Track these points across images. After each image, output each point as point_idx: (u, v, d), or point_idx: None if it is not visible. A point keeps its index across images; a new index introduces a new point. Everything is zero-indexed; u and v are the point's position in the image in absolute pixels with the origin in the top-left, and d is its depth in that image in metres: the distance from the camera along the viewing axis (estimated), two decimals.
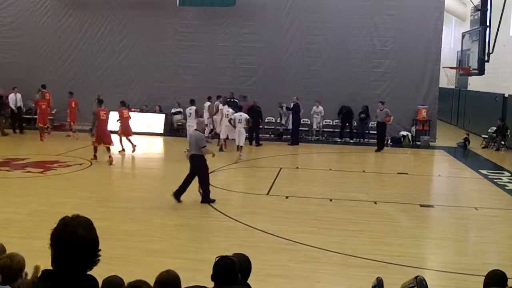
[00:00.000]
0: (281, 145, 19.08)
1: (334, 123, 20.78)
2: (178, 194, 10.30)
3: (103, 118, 14.66)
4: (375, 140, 18.94)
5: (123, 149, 16.53)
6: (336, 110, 20.53)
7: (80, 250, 2.25)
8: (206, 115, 18.21)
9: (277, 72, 20.94)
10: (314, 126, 20.43)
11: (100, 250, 2.35)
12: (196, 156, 10.31)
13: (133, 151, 16.39)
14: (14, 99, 19.91)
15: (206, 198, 10.39)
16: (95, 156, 14.84)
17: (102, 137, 14.67)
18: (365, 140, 20.36)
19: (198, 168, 10.32)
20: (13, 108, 19.88)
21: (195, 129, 10.83)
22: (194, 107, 17.25)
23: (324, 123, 20.93)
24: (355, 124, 20.53)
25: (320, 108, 20.00)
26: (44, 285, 2.26)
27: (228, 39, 21.27)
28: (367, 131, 20.42)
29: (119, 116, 16.41)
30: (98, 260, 2.33)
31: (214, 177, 13.06)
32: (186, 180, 10.36)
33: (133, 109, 21.28)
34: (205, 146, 10.39)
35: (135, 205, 10.12)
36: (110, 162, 14.43)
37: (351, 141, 20.31)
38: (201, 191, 10.42)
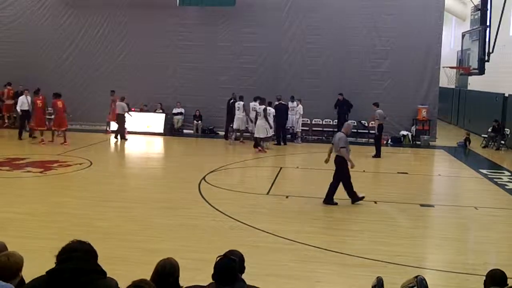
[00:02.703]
0: (280, 145, 19.06)
1: (333, 123, 20.73)
2: (354, 199, 10.53)
3: (40, 106, 17.77)
4: (354, 139, 19.31)
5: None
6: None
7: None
8: (241, 113, 18.81)
9: (277, 72, 20.95)
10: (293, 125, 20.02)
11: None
12: (339, 157, 10.47)
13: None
14: (26, 102, 18.57)
15: (329, 198, 10.51)
16: (33, 137, 18.10)
17: (39, 122, 17.64)
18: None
19: (339, 169, 10.46)
20: (18, 110, 18.70)
21: (341, 131, 10.98)
22: (242, 102, 18.67)
23: (324, 123, 20.93)
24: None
25: (299, 106, 19.58)
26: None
27: (228, 39, 21.27)
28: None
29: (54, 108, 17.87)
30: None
31: (214, 176, 13.10)
32: (345, 184, 10.53)
33: (133, 109, 21.34)
34: (344, 147, 10.40)
35: (135, 205, 10.12)
36: (41, 142, 17.33)
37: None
38: None
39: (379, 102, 17.77)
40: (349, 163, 10.43)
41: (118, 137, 19.08)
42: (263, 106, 17.49)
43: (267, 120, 17.29)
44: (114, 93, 20.06)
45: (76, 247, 2.57)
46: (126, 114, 19.04)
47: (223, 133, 20.39)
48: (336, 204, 10.53)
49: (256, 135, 17.50)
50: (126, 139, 19.08)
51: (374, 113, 17.02)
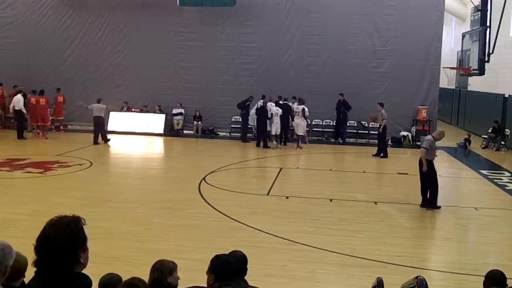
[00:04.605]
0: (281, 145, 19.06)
1: (333, 123, 20.71)
2: (433, 205, 10.43)
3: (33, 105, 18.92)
4: (354, 139, 19.91)
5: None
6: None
7: (52, 252, 2.32)
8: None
9: (277, 72, 20.94)
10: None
11: (83, 250, 2.38)
12: (427, 160, 10.48)
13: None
14: (22, 101, 18.46)
15: (431, 202, 10.48)
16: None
17: (33, 118, 19.18)
18: (346, 140, 20.06)
19: (424, 173, 10.45)
20: (17, 109, 18.47)
21: (431, 134, 11.05)
22: (262, 100, 19.20)
23: (324, 123, 20.93)
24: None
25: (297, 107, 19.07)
26: (37, 285, 2.27)
27: (228, 39, 21.26)
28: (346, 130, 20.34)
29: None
30: (79, 260, 2.33)
31: (214, 177, 13.09)
32: (429, 184, 10.50)
33: (133, 109, 21.36)
34: (425, 148, 10.44)
35: (135, 205, 10.12)
36: (38, 135, 19.04)
37: (339, 141, 20.05)
38: None
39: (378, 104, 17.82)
40: (423, 164, 10.37)
41: (106, 138, 18.24)
42: (302, 106, 18.24)
43: (305, 119, 18.45)
44: (59, 90, 20.47)
45: (46, 253, 2.24)
46: (103, 115, 18.22)
47: (225, 134, 20.36)
48: (439, 207, 10.47)
49: (298, 133, 18.35)
50: (98, 143, 17.90)
51: (378, 112, 17.07)
